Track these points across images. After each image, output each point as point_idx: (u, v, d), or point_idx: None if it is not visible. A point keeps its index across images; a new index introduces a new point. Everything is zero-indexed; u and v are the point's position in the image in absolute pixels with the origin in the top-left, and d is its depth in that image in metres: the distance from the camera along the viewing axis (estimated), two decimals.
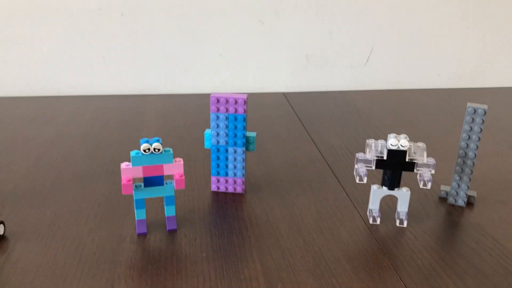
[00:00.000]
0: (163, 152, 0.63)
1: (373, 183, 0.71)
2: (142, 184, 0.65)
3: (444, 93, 1.33)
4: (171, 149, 0.64)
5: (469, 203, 0.76)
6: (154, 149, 0.62)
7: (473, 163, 0.72)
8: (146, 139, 0.62)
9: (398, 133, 0.68)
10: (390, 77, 1.36)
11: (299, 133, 1.02)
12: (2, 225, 0.64)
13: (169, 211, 0.67)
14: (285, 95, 1.28)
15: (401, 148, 0.65)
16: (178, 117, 1.10)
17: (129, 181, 0.62)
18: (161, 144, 0.62)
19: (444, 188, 0.78)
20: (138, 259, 0.61)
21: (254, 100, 1.23)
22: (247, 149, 0.76)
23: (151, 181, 0.64)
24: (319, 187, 0.80)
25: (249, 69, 1.30)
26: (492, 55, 1.39)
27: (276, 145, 0.96)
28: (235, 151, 0.75)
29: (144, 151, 0.62)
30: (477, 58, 1.39)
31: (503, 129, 1.08)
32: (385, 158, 0.66)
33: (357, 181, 0.67)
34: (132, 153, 0.63)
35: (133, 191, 0.64)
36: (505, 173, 0.87)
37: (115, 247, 0.63)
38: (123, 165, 0.63)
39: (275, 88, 1.33)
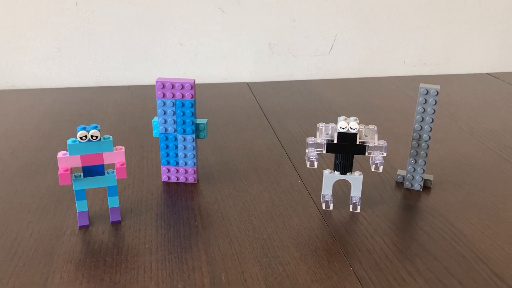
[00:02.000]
0: (102, 140, 0.60)
1: (327, 168, 0.69)
2: (82, 174, 0.62)
3: (410, 80, 1.32)
4: (111, 137, 0.61)
5: (426, 187, 0.75)
6: (92, 136, 0.59)
7: (428, 145, 0.71)
8: (83, 126, 0.59)
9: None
10: (355, 65, 1.35)
11: (259, 122, 1.00)
12: None
13: (112, 202, 0.64)
14: (249, 85, 1.26)
15: (351, 131, 0.63)
16: (135, 108, 1.07)
17: (66, 170, 0.59)
18: (99, 131, 0.59)
19: (400, 172, 0.76)
20: (77, 252, 0.58)
21: (217, 90, 1.20)
22: (197, 136, 0.73)
23: (91, 171, 0.61)
24: (275, 175, 0.78)
25: (211, 59, 1.27)
26: (457, 42, 1.39)
27: (234, 134, 0.93)
28: (185, 139, 0.72)
29: (81, 138, 0.59)
30: (442, 45, 1.38)
31: (466, 115, 1.07)
32: (335, 141, 0.64)
33: (308, 165, 0.65)
34: (69, 141, 0.59)
35: (72, 182, 0.61)
36: (465, 157, 0.85)
37: (54, 241, 0.60)
38: (60, 154, 0.60)
39: (239, 78, 1.30)
